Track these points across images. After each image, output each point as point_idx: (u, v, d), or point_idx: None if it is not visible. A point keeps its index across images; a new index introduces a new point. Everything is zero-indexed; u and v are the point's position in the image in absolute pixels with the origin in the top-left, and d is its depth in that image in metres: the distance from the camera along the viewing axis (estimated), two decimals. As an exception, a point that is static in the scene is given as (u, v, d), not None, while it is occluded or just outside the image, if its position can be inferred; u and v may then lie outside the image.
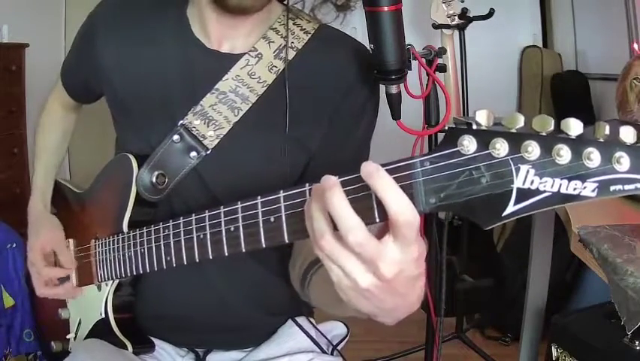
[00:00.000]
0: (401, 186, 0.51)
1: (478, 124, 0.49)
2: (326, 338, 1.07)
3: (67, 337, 1.08)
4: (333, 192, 0.52)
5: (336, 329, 1.09)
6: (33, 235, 1.08)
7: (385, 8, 0.82)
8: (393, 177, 0.51)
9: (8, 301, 1.84)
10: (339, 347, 1.08)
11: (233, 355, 1.05)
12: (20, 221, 1.14)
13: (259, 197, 0.64)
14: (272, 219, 0.63)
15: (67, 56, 1.11)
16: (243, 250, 0.68)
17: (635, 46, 2.16)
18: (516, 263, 2.31)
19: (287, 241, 0.62)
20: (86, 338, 1.02)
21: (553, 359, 1.36)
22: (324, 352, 1.05)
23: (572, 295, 2.34)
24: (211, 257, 0.74)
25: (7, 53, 2.73)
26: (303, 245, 0.89)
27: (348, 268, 0.54)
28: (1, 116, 2.66)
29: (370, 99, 0.93)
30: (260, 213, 0.64)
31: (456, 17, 2.10)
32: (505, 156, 0.47)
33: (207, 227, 0.73)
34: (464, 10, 2.12)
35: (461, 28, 2.19)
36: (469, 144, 0.49)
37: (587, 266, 1.04)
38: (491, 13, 2.25)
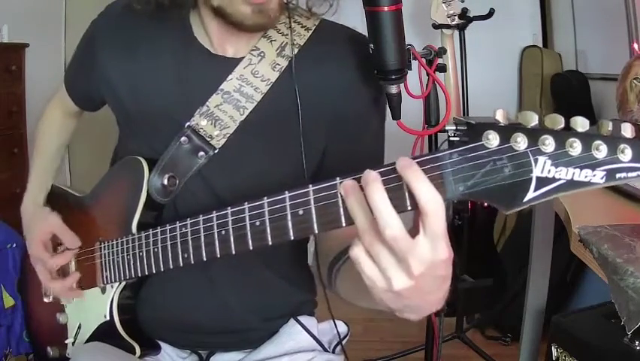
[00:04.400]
0: (432, 176, 0.57)
1: (497, 121, 0.55)
2: (336, 330, 1.07)
3: (66, 342, 1.06)
4: (375, 186, 0.57)
5: (337, 328, 1.09)
6: (29, 234, 1.07)
7: (385, 8, 0.82)
8: (425, 168, 0.57)
9: (8, 301, 1.84)
10: (340, 346, 1.09)
11: (234, 355, 1.05)
12: (20, 221, 1.14)
13: (287, 192, 0.67)
14: (300, 212, 0.65)
15: (70, 64, 1.11)
16: (270, 244, 0.69)
17: (635, 46, 2.16)
18: (516, 263, 2.31)
19: (316, 232, 0.65)
20: (87, 342, 1.01)
21: (553, 359, 1.36)
22: (325, 350, 1.06)
23: (572, 295, 2.34)
24: (234, 253, 0.74)
25: (7, 53, 2.73)
26: (325, 240, 0.90)
27: (384, 263, 0.58)
28: (1, 116, 2.66)
29: (377, 90, 0.93)
30: (288, 207, 0.66)
31: (456, 17, 2.10)
32: (525, 149, 0.53)
33: (230, 223, 0.73)
34: (464, 10, 2.12)
35: (461, 28, 2.19)
36: (493, 139, 0.55)
37: (587, 266, 1.04)
38: (491, 13, 2.25)
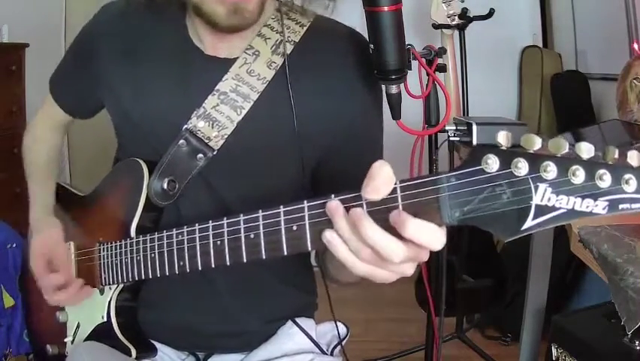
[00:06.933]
0: (428, 200, 0.56)
1: (499, 144, 0.53)
2: (337, 331, 1.07)
3: (65, 340, 1.06)
4: (364, 224, 0.58)
5: (336, 329, 1.09)
6: (32, 244, 1.05)
7: (385, 8, 0.82)
8: (422, 191, 0.56)
9: (8, 301, 1.84)
10: (339, 347, 1.08)
11: (232, 357, 1.05)
12: (20, 221, 1.13)
13: (282, 206, 0.66)
14: (294, 228, 0.65)
15: (61, 68, 1.09)
16: (263, 257, 0.69)
17: (635, 46, 2.16)
18: (516, 263, 2.31)
19: (309, 250, 0.64)
20: (84, 342, 1.00)
21: (553, 359, 1.36)
22: (323, 353, 1.06)
23: (572, 295, 2.34)
24: (228, 263, 0.73)
25: (7, 53, 2.73)
26: None
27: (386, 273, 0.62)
28: (1, 116, 2.66)
29: (375, 89, 0.93)
30: (282, 222, 0.66)
31: (456, 17, 2.10)
32: (525, 175, 0.51)
33: (225, 233, 0.73)
34: (464, 10, 2.11)
35: (461, 28, 2.18)
36: (492, 163, 0.53)
37: (587, 266, 1.04)
38: (491, 13, 2.25)
